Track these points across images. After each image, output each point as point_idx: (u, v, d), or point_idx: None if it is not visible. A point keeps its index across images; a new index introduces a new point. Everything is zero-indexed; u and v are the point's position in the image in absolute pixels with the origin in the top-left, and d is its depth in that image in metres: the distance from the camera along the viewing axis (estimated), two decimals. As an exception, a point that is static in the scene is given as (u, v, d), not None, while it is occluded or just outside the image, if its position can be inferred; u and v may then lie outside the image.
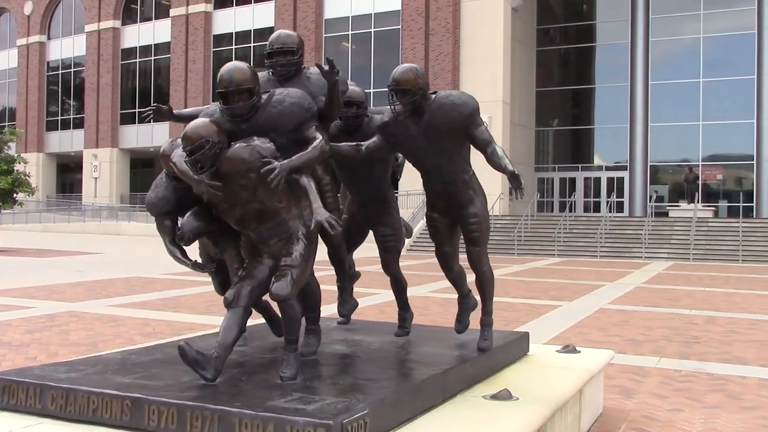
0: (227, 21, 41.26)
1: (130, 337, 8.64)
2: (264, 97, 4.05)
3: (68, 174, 51.86)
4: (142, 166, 47.93)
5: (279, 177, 3.72)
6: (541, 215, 34.06)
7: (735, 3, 35.21)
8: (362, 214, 5.10)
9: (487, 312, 4.88)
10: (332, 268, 5.15)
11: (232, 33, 41.00)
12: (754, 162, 35.03)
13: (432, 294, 13.17)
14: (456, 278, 5.00)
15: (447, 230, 4.81)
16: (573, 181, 38.27)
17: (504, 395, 4.09)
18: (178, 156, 3.95)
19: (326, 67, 4.00)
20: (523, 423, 3.64)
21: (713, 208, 33.19)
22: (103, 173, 45.93)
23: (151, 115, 4.41)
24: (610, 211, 31.63)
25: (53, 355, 7.49)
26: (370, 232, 5.23)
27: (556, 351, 5.68)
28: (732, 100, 35.45)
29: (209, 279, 4.93)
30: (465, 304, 5.11)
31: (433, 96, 4.48)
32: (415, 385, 3.70)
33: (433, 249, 4.92)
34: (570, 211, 31.40)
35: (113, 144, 45.71)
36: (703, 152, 36.06)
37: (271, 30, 38.86)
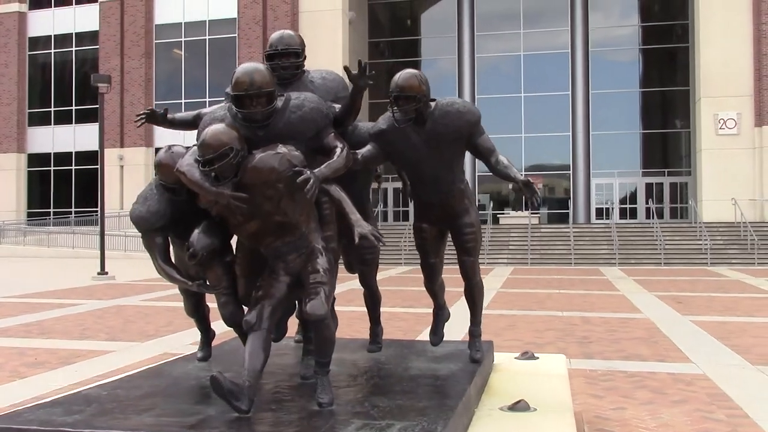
0: (45, 23, 38.30)
1: (14, 368, 7.72)
2: (279, 101, 3.76)
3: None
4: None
5: (314, 187, 3.45)
6: (382, 224, 34.56)
7: (551, 23, 37.86)
8: (340, 226, 4.85)
9: (476, 323, 4.85)
10: None
11: (50, 36, 38.12)
12: (570, 171, 37.79)
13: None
14: (437, 290, 4.94)
15: (435, 241, 4.72)
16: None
17: (523, 406, 4.05)
18: (188, 165, 3.56)
19: (354, 72, 3.75)
20: (568, 433, 3.62)
21: (538, 215, 35.36)
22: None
23: (144, 119, 3.94)
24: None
25: (-66, 395, 6.52)
26: None
27: (515, 358, 5.73)
28: (550, 114, 38.09)
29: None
30: (440, 315, 5.08)
31: (433, 103, 4.36)
32: (460, 404, 3.56)
33: None
34: (404, 220, 32.04)
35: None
36: (526, 162, 38.41)
37: (95, 34, 36.64)
